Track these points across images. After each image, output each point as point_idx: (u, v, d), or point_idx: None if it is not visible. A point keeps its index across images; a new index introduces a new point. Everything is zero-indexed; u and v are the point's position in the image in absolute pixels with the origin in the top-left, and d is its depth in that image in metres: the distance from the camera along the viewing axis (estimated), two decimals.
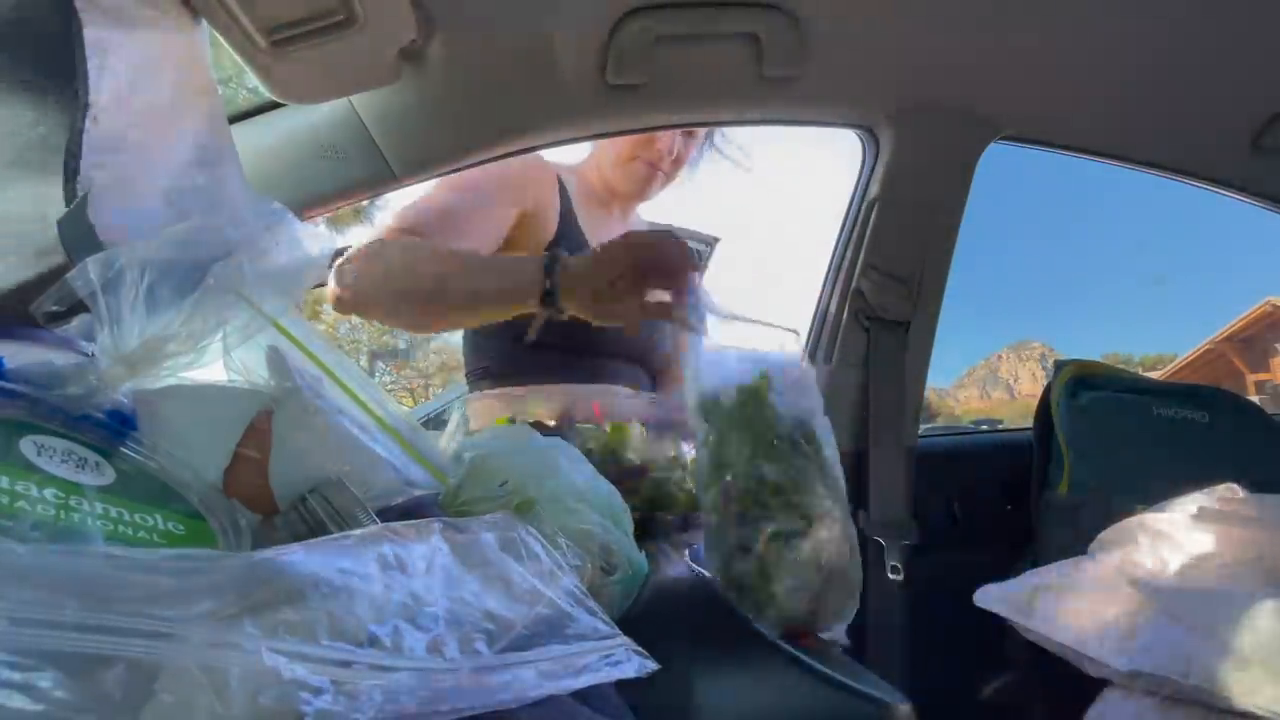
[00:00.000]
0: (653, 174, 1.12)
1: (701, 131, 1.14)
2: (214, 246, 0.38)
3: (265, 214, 0.41)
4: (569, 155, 1.21)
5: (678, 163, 1.14)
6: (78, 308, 0.35)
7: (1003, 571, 1.22)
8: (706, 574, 0.64)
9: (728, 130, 1.18)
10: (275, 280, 0.40)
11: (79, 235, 0.37)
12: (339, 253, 0.84)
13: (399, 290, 0.80)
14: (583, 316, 0.71)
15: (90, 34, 0.39)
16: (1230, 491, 0.74)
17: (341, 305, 0.82)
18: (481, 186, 0.97)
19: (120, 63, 0.42)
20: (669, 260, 0.68)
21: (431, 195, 0.95)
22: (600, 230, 1.11)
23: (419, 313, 0.83)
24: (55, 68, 0.39)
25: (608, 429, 0.80)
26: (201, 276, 0.36)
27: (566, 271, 0.71)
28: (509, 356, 1.03)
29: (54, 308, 0.35)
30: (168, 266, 0.35)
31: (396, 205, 0.95)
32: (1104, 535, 0.77)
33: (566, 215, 1.06)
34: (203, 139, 0.49)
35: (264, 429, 0.40)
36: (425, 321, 0.87)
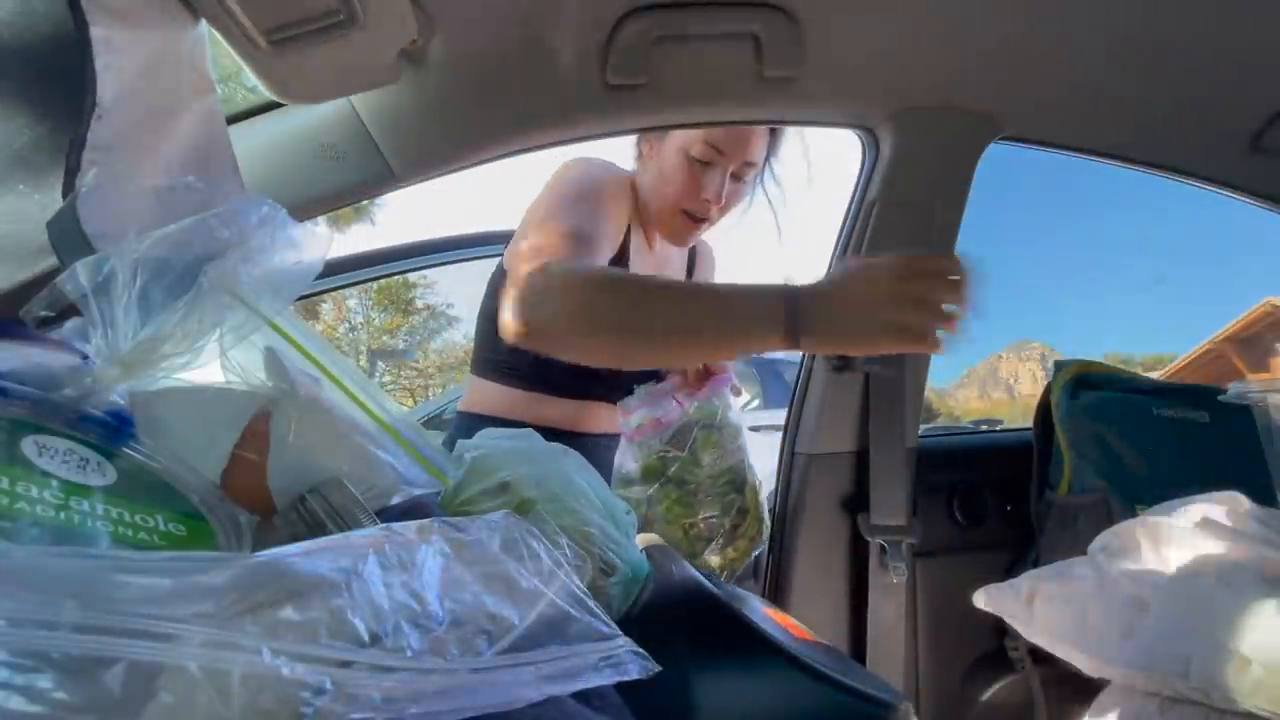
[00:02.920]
0: (694, 227, 1.05)
1: (752, 173, 1.05)
2: (207, 246, 0.38)
3: (259, 213, 0.41)
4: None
5: (727, 207, 1.05)
6: (69, 311, 0.35)
7: (1003, 572, 1.23)
8: (707, 574, 0.64)
9: (777, 170, 1.10)
10: (271, 280, 0.40)
11: (68, 237, 0.37)
12: (532, 282, 0.75)
13: (600, 324, 0.72)
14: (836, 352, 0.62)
15: (97, 33, 0.39)
16: (1235, 502, 0.74)
17: (527, 340, 0.76)
18: (597, 198, 0.93)
19: (126, 62, 0.42)
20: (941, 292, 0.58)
21: (554, 216, 0.90)
22: (640, 260, 1.09)
23: (624, 349, 0.74)
24: (61, 67, 0.39)
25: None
26: (195, 277, 0.36)
27: (813, 306, 0.61)
28: (517, 357, 1.01)
29: (45, 312, 0.35)
30: (160, 267, 0.35)
31: (526, 237, 0.88)
32: (1104, 536, 0.77)
33: (625, 241, 1.04)
34: (198, 139, 0.49)
35: (262, 430, 0.40)
36: (631, 357, 0.77)
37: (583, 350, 0.75)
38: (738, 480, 0.95)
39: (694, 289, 0.74)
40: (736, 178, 1.03)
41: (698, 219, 1.04)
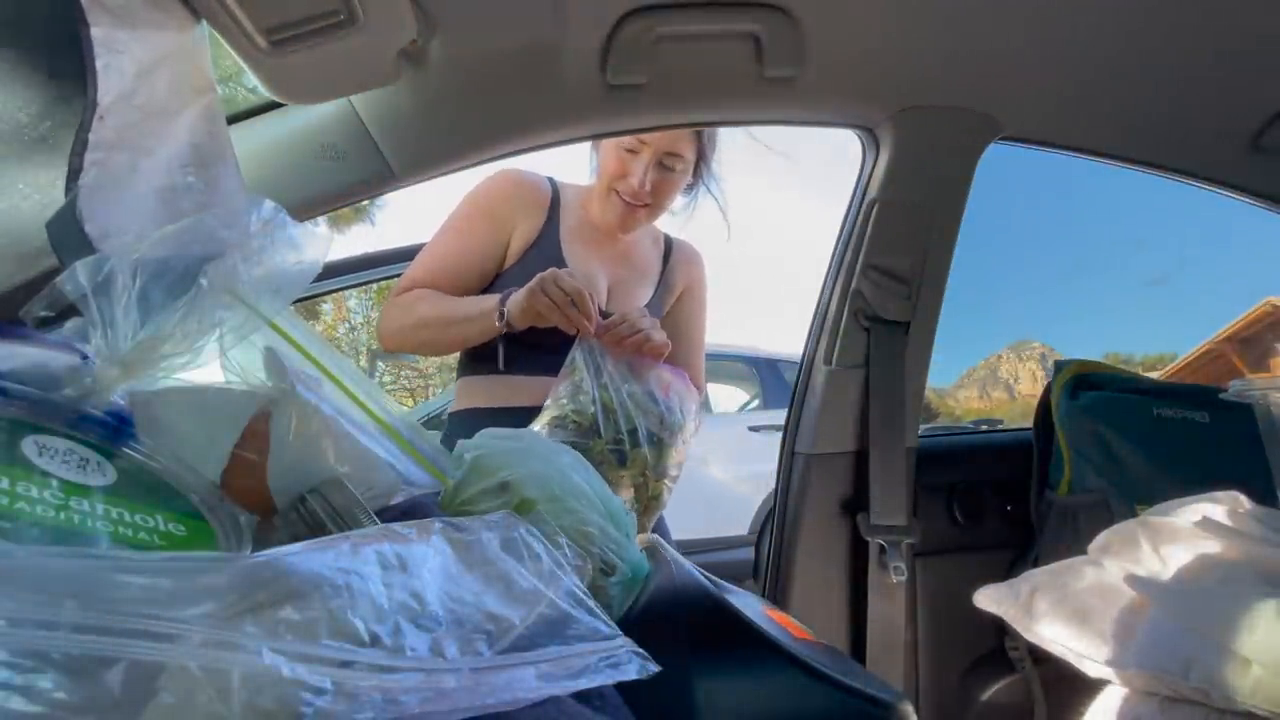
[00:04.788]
0: (630, 211, 1.12)
1: (680, 165, 1.12)
2: (207, 246, 0.38)
3: (259, 213, 0.41)
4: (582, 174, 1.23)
5: (657, 195, 1.12)
6: (69, 311, 0.35)
7: (1003, 572, 1.23)
8: (707, 574, 0.64)
9: (719, 173, 1.18)
10: (270, 280, 0.40)
11: (68, 237, 0.37)
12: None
13: (412, 335, 1.10)
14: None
15: (97, 33, 0.40)
16: (1235, 502, 0.74)
17: (383, 346, 1.14)
18: (472, 227, 1.15)
19: (127, 62, 0.42)
20: (556, 316, 0.97)
21: (433, 247, 1.15)
22: (582, 250, 1.16)
23: (430, 348, 1.17)
24: (61, 67, 0.39)
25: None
26: (195, 277, 0.36)
27: (510, 309, 1.01)
28: (494, 348, 1.13)
29: (45, 312, 0.35)
30: (160, 267, 0.35)
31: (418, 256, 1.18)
32: (1104, 536, 0.77)
33: (547, 233, 1.15)
34: (198, 138, 0.49)
35: (262, 430, 0.40)
36: (435, 351, 1.23)
37: (411, 349, 1.15)
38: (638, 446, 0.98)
39: (452, 308, 1.08)
40: (664, 167, 1.11)
41: (629, 204, 1.13)
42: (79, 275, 0.33)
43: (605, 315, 1.07)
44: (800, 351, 1.27)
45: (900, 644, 1.17)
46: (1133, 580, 0.69)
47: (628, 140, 1.09)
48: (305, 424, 0.40)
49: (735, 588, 0.66)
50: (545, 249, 1.13)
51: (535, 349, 1.06)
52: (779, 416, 1.36)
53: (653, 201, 1.13)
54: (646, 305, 1.21)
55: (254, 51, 0.65)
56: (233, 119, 0.88)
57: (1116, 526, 0.77)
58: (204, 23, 0.57)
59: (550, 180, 1.19)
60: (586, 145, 1.17)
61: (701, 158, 1.15)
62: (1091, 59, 0.97)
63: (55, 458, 0.31)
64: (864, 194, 1.16)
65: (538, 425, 0.95)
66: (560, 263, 1.12)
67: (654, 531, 1.02)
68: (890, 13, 0.88)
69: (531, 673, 0.29)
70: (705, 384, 1.34)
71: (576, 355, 0.97)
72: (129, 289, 0.34)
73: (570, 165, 1.26)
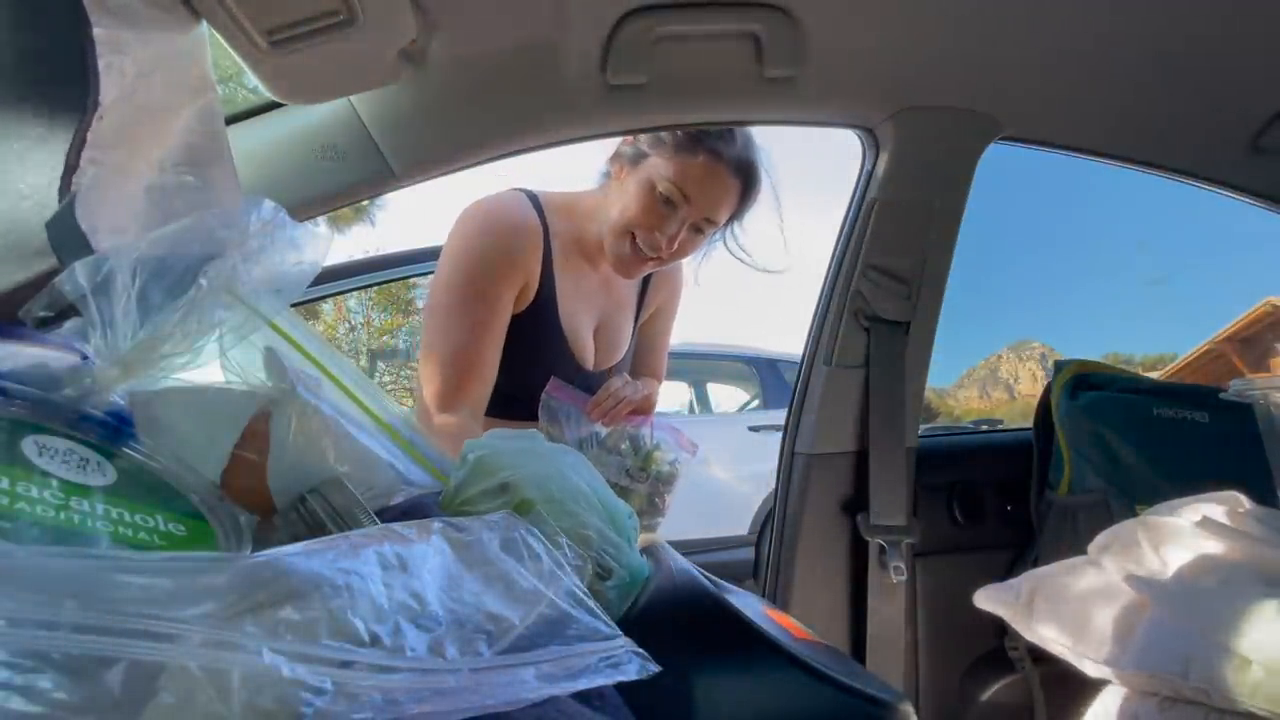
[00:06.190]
0: (640, 261, 1.04)
1: (711, 230, 1.05)
2: (206, 247, 0.38)
3: (259, 213, 0.41)
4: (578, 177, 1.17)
5: (677, 253, 1.04)
6: (69, 311, 0.35)
7: (1003, 572, 1.23)
8: (707, 574, 0.64)
9: (739, 230, 1.10)
10: (270, 280, 0.40)
11: (68, 237, 0.37)
12: None
13: None
14: None
15: (100, 33, 0.40)
16: (1235, 502, 0.74)
17: None
18: (488, 310, 1.01)
19: (128, 62, 0.42)
20: None
21: (457, 336, 0.99)
22: (574, 300, 1.10)
23: None
24: (62, 67, 0.39)
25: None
26: (195, 277, 0.36)
27: None
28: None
29: (45, 312, 0.35)
30: (159, 267, 0.35)
31: (428, 367, 1.01)
32: (1104, 536, 0.77)
33: (545, 278, 1.06)
34: (195, 138, 0.49)
35: (262, 430, 0.40)
36: None
37: None
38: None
39: None
40: (695, 229, 1.03)
41: (644, 256, 1.03)
42: (78, 275, 0.33)
43: (590, 381, 1.08)
44: (800, 351, 1.27)
45: (900, 644, 1.17)
46: (1133, 580, 0.69)
47: (665, 186, 0.98)
48: (305, 424, 0.40)
49: (735, 588, 0.66)
50: (541, 309, 1.06)
51: (512, 399, 1.06)
52: (779, 416, 1.36)
53: (668, 258, 1.04)
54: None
55: (254, 51, 0.65)
56: (232, 119, 0.88)
57: (1116, 526, 0.77)
58: (204, 23, 0.57)
59: (535, 206, 1.07)
60: (591, 147, 1.11)
61: (731, 220, 1.08)
62: (1092, 59, 0.97)
63: (55, 458, 0.31)
64: (864, 194, 1.16)
65: None
66: (555, 326, 1.07)
67: None
68: (890, 13, 0.88)
69: (531, 673, 0.29)
70: (664, 375, 1.35)
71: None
72: (128, 289, 0.34)
73: (571, 165, 1.25)
